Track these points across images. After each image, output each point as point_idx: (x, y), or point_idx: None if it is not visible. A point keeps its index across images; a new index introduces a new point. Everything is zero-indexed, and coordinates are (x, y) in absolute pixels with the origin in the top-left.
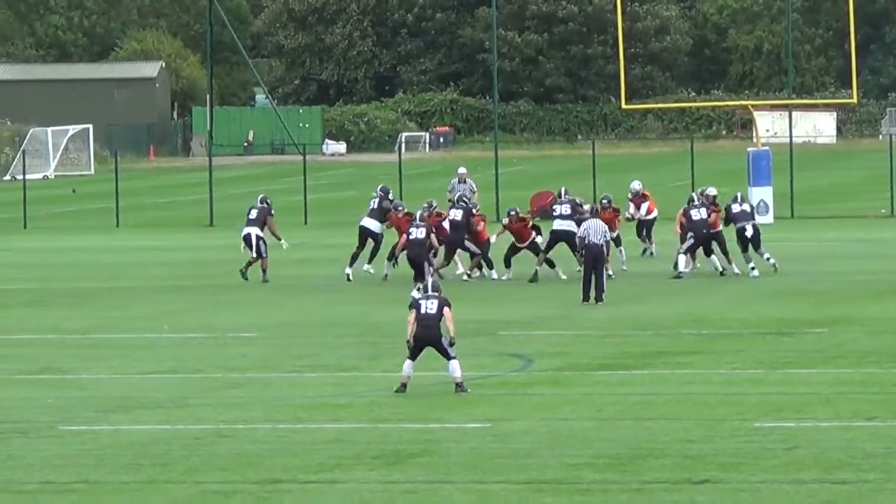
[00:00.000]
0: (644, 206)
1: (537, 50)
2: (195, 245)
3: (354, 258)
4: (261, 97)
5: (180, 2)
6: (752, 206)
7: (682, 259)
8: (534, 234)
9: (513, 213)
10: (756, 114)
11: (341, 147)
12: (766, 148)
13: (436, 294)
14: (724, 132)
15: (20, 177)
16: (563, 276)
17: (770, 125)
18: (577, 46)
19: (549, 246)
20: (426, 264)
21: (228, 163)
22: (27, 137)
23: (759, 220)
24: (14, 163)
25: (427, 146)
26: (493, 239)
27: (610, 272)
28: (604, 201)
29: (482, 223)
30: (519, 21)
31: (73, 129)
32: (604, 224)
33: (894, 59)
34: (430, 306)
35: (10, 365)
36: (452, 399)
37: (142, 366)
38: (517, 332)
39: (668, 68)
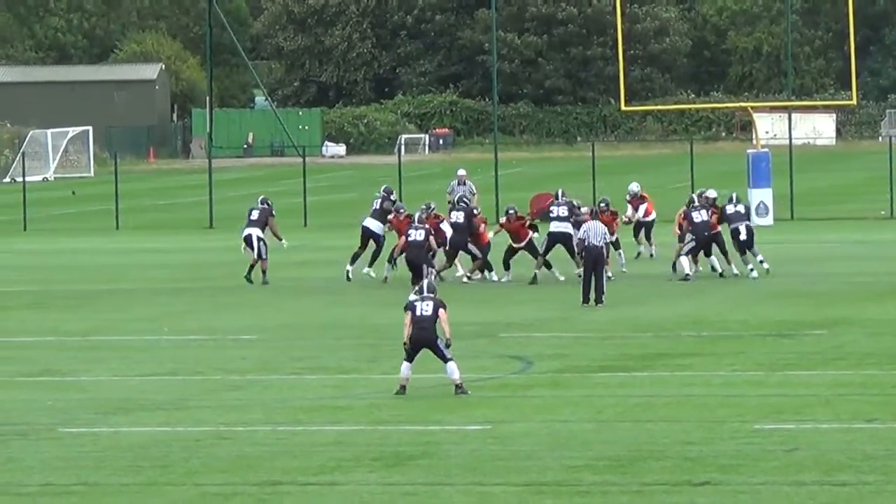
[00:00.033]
0: (642, 208)
1: (537, 52)
2: (195, 247)
3: (356, 258)
4: (260, 99)
5: (180, 4)
6: (746, 208)
7: (685, 261)
8: (531, 233)
9: (511, 211)
10: (755, 115)
11: (341, 149)
12: (766, 150)
13: (431, 295)
14: (723, 134)
15: (20, 179)
16: (561, 278)
17: (770, 127)
18: (577, 48)
19: (547, 248)
20: (425, 266)
21: (228, 165)
22: (27, 139)
23: (759, 221)
24: (14, 165)
25: (427, 148)
26: (490, 235)
27: (609, 274)
28: (602, 204)
29: (483, 225)
30: (518, 23)
31: (72, 131)
32: (604, 226)
33: (894, 60)
34: (425, 308)
35: (10, 367)
36: (452, 401)
37: (142, 368)
38: (517, 335)
39: (667, 70)
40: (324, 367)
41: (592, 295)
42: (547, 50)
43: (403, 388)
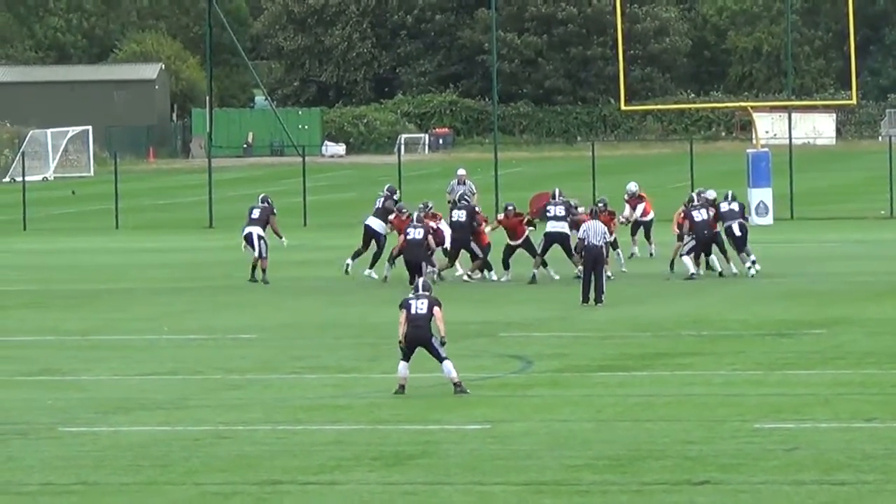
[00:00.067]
0: (640, 208)
1: (537, 51)
2: (195, 247)
3: (358, 254)
4: (260, 99)
5: (180, 3)
6: (741, 206)
7: (688, 261)
8: (528, 230)
9: (510, 208)
10: (755, 115)
11: (340, 149)
12: (766, 149)
13: (426, 294)
14: (723, 134)
15: (20, 178)
16: (556, 276)
17: (769, 126)
18: (577, 48)
19: (544, 248)
20: (424, 265)
21: (228, 164)
22: (27, 139)
23: (759, 221)
24: (13, 164)
25: (426, 148)
26: (487, 230)
27: (609, 274)
28: (599, 204)
29: (485, 223)
30: (518, 23)
31: (72, 130)
32: (603, 226)
33: (893, 60)
34: (420, 306)
35: (10, 366)
36: (452, 400)
37: (141, 367)
38: (517, 334)
39: (667, 70)
40: (324, 366)
41: (592, 294)
42: (547, 50)
43: (402, 387)
